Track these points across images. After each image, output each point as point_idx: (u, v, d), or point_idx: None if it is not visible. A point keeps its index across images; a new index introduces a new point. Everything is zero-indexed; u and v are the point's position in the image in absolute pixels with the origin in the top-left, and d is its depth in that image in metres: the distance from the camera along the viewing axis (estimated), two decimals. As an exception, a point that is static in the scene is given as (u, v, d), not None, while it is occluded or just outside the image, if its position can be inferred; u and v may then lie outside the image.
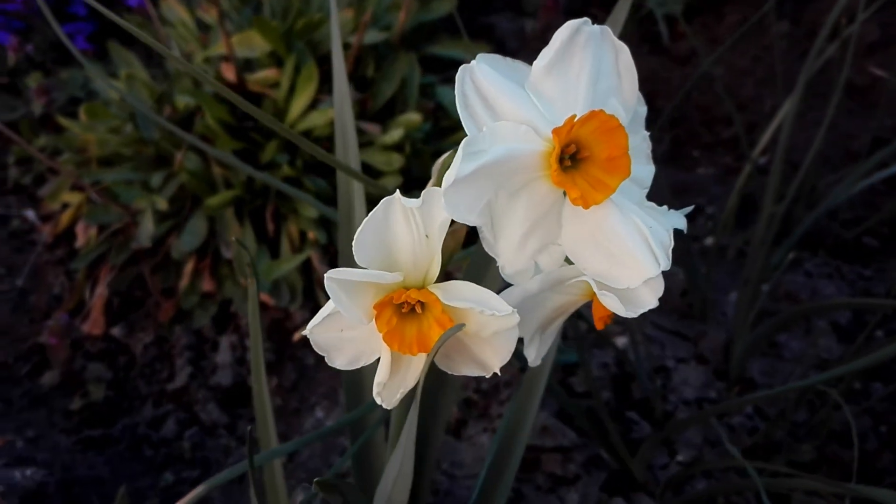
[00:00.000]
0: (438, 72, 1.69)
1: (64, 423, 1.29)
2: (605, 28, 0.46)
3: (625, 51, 0.46)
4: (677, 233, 0.46)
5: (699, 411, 1.22)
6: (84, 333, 1.41)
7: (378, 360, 0.48)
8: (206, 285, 1.40)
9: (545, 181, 0.44)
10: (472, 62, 0.46)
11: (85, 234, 1.48)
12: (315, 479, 0.48)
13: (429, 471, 0.89)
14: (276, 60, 1.47)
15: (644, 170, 0.49)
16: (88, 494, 1.12)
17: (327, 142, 1.44)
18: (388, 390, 0.48)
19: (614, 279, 0.44)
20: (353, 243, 0.45)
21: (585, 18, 0.46)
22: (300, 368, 1.37)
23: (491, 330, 0.46)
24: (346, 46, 1.48)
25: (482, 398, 1.27)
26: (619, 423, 1.23)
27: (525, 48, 1.96)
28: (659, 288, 0.45)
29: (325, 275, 0.43)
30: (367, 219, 0.44)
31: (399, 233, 0.45)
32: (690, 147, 1.87)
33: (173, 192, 1.42)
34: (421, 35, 1.69)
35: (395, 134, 1.38)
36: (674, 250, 0.44)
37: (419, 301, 0.46)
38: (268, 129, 1.45)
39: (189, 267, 1.41)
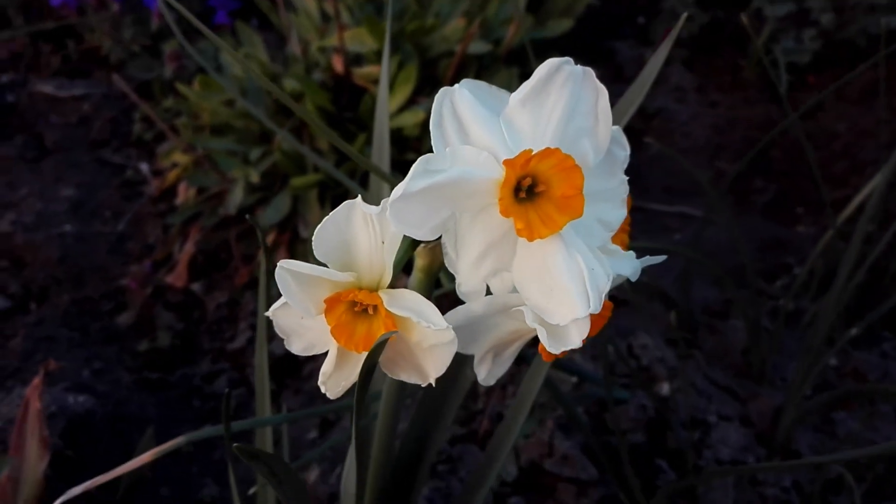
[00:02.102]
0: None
1: (129, 361, 1.39)
2: (588, 69, 0.47)
3: (604, 94, 0.47)
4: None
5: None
6: (167, 284, 1.52)
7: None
8: (281, 258, 1.48)
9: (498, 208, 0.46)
10: (455, 86, 0.48)
11: (185, 194, 1.60)
12: (235, 445, 0.51)
13: (423, 471, 0.91)
14: (381, 58, 1.53)
15: (615, 213, 0.50)
16: (131, 430, 1.21)
17: (416, 142, 1.48)
18: (332, 381, 0.51)
19: (549, 314, 0.45)
20: (314, 237, 0.48)
21: (568, 58, 0.47)
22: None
23: (430, 342, 0.48)
24: (450, 54, 1.52)
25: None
26: (646, 469, 1.21)
27: (640, 78, 1.94)
28: (585, 329, 0.45)
29: (278, 263, 0.46)
30: (329, 217, 0.47)
31: (357, 235, 0.48)
32: (795, 202, 1.79)
33: (267, 168, 1.50)
34: (534, 51, 1.71)
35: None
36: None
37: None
38: (363, 122, 1.51)
39: (269, 239, 1.50)
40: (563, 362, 1.23)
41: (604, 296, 0.44)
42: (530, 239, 0.44)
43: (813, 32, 1.91)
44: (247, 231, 1.54)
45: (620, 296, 1.50)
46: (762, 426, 1.22)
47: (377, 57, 1.53)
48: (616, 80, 1.96)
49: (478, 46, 1.52)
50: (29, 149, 1.75)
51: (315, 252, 0.48)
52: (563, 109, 0.46)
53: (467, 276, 0.48)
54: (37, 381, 1.09)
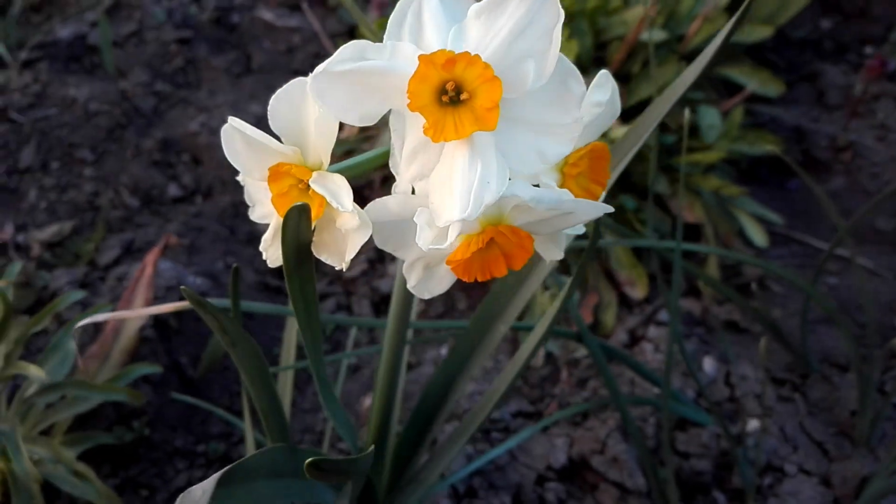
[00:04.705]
0: (719, 93, 1.61)
1: (260, 264, 1.52)
2: (552, -8, 0.46)
3: (562, 20, 0.46)
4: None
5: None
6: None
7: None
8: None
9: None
10: (427, -10, 0.49)
11: (349, 131, 1.71)
12: (182, 287, 0.55)
13: (444, 411, 0.92)
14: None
15: (557, 149, 0.48)
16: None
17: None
18: (272, 249, 0.55)
19: (436, 215, 0.45)
20: (269, 110, 0.51)
21: (532, -22, 0.46)
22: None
23: (346, 226, 0.50)
24: (620, 38, 1.49)
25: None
26: (700, 498, 1.13)
27: (842, 108, 1.77)
28: (455, 232, 0.45)
29: (228, 119, 0.50)
30: (281, 90, 0.50)
31: (306, 114, 0.51)
32: None
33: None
34: (720, 52, 1.62)
35: (618, 131, 1.37)
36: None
37: (312, 179, 0.51)
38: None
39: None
40: (647, 370, 1.18)
41: (482, 207, 0.43)
42: (435, 140, 0.45)
43: None
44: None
45: (743, 324, 1.40)
46: (843, 491, 1.09)
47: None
48: (815, 104, 1.80)
49: (653, 34, 1.47)
50: (237, 65, 1.95)
51: (270, 124, 0.52)
52: (513, 26, 0.46)
53: (401, 176, 0.50)
54: (156, 250, 1.23)
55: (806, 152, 1.73)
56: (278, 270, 1.52)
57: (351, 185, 0.49)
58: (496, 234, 0.48)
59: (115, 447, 1.16)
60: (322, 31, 1.57)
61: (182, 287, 0.56)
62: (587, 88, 0.53)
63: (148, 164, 1.68)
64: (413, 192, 0.51)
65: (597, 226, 0.64)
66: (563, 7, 1.40)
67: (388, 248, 0.53)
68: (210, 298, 1.32)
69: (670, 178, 1.48)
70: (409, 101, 0.45)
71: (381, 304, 1.47)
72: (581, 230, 0.59)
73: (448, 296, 1.48)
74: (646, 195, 1.48)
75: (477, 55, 0.44)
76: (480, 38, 0.46)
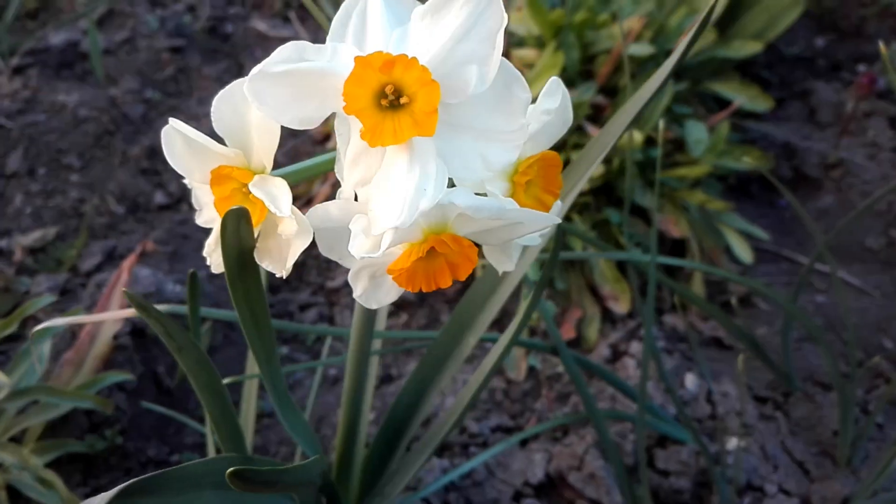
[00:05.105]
0: (709, 108, 1.61)
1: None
2: (496, -4, 0.45)
3: (504, 24, 0.45)
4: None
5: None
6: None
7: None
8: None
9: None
10: (374, -9, 0.48)
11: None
12: (125, 290, 0.54)
13: (415, 420, 0.91)
14: (541, 44, 1.53)
15: (503, 156, 0.47)
16: (214, 327, 1.32)
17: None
18: (215, 255, 0.54)
19: (373, 222, 0.45)
20: (212, 111, 0.50)
21: (476, -19, 0.45)
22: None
23: (287, 232, 0.49)
24: (608, 52, 1.48)
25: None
26: (678, 516, 1.11)
27: (834, 125, 1.76)
28: (388, 242, 0.44)
29: (169, 120, 0.50)
30: (224, 91, 0.50)
31: (248, 116, 0.50)
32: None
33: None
34: (708, 68, 1.62)
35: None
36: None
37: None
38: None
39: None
40: (626, 386, 1.16)
41: (417, 214, 0.42)
42: (371, 144, 0.44)
43: None
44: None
45: (727, 341, 1.39)
46: (822, 513, 1.08)
47: (537, 42, 1.53)
48: (807, 121, 1.79)
49: (639, 48, 1.46)
50: (228, 75, 1.95)
51: (214, 126, 0.51)
52: (456, 28, 0.45)
53: (344, 182, 0.49)
54: (133, 257, 1.22)
55: (796, 169, 1.72)
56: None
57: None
58: (438, 244, 0.47)
59: (87, 455, 1.15)
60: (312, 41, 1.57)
61: (124, 290, 0.55)
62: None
63: (135, 171, 1.68)
64: (356, 199, 0.50)
65: (558, 237, 0.63)
66: (551, 21, 1.40)
67: (333, 256, 0.52)
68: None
69: (658, 193, 1.47)
70: (344, 103, 0.44)
71: (363, 315, 1.45)
72: (536, 241, 0.58)
73: (431, 308, 1.47)
74: (633, 210, 1.47)
75: (414, 58, 0.43)
76: (423, 40, 0.46)
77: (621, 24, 1.22)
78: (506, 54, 1.46)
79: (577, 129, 1.43)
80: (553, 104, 0.51)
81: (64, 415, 1.09)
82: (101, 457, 1.15)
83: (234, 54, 2.02)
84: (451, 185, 0.48)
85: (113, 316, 0.72)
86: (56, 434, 1.14)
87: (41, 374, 1.08)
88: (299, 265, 1.56)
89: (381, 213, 0.44)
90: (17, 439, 1.09)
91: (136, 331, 1.27)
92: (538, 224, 0.50)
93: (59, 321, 0.68)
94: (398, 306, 1.46)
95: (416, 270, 0.49)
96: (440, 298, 1.49)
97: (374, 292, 0.54)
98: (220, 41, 2.03)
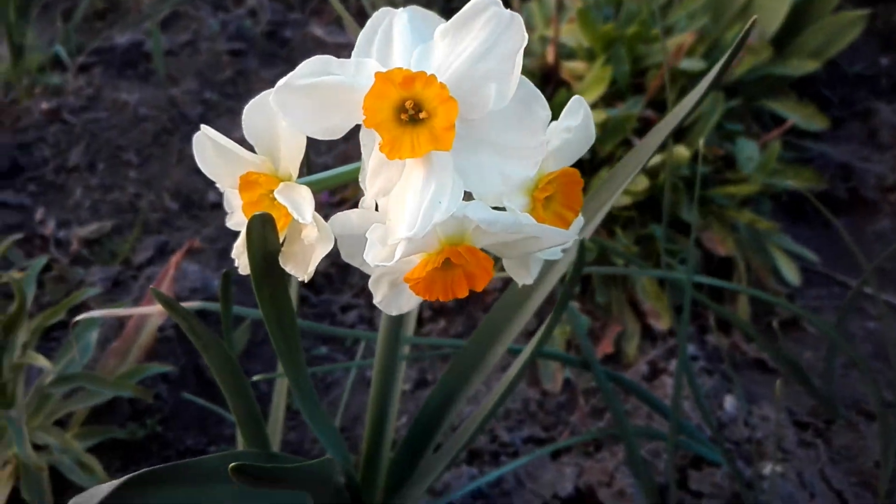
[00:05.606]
0: (764, 126, 1.58)
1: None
2: (517, 15, 0.46)
3: (525, 43, 0.46)
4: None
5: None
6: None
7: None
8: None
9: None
10: (400, 9, 0.49)
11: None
12: (152, 288, 0.57)
13: (443, 425, 0.91)
14: (591, 56, 1.52)
15: (522, 172, 0.48)
16: (253, 324, 1.36)
17: (596, 144, 1.46)
18: (243, 258, 0.56)
19: (390, 232, 0.46)
20: (243, 119, 0.52)
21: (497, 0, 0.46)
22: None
23: (308, 237, 0.50)
24: (658, 66, 1.47)
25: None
26: (707, 539, 1.09)
27: (894, 148, 1.71)
28: (401, 252, 0.45)
29: (201, 126, 0.52)
30: (255, 100, 0.51)
31: (277, 125, 0.51)
32: None
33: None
34: (763, 85, 1.59)
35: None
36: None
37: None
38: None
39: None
40: (661, 404, 1.15)
41: (430, 226, 0.43)
42: (389, 157, 0.45)
43: None
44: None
45: (771, 364, 1.36)
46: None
47: (588, 54, 1.53)
48: (866, 142, 1.74)
49: (691, 63, 1.45)
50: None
51: (244, 133, 0.53)
52: (476, 47, 0.46)
53: (366, 192, 0.50)
54: (179, 254, 1.26)
55: (853, 191, 1.67)
56: (309, 283, 1.54)
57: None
58: (453, 254, 0.48)
59: (128, 442, 1.18)
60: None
61: (151, 287, 0.57)
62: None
63: (190, 169, 1.73)
64: (377, 209, 0.51)
65: (581, 253, 0.63)
66: (602, 33, 1.39)
67: (354, 263, 0.53)
68: (234, 304, 1.33)
69: (705, 211, 1.45)
70: (364, 117, 0.45)
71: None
72: (557, 255, 0.59)
73: (469, 315, 1.47)
74: (679, 226, 1.46)
75: (433, 75, 0.44)
76: (444, 58, 0.47)
77: (663, 40, 1.21)
78: (556, 66, 1.46)
79: (623, 143, 1.42)
80: (574, 122, 0.52)
81: (108, 401, 1.13)
82: (141, 444, 1.19)
83: (291, 59, 2.06)
84: (471, 198, 0.49)
85: (153, 310, 0.75)
86: (100, 420, 1.18)
87: (88, 362, 1.12)
88: (343, 267, 1.58)
89: (397, 223, 0.45)
90: (62, 423, 1.14)
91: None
92: (555, 239, 0.50)
93: (98, 313, 0.71)
94: (437, 312, 1.47)
95: (433, 279, 0.50)
96: (479, 306, 1.49)
97: (394, 299, 0.55)
98: (278, 46, 2.08)
